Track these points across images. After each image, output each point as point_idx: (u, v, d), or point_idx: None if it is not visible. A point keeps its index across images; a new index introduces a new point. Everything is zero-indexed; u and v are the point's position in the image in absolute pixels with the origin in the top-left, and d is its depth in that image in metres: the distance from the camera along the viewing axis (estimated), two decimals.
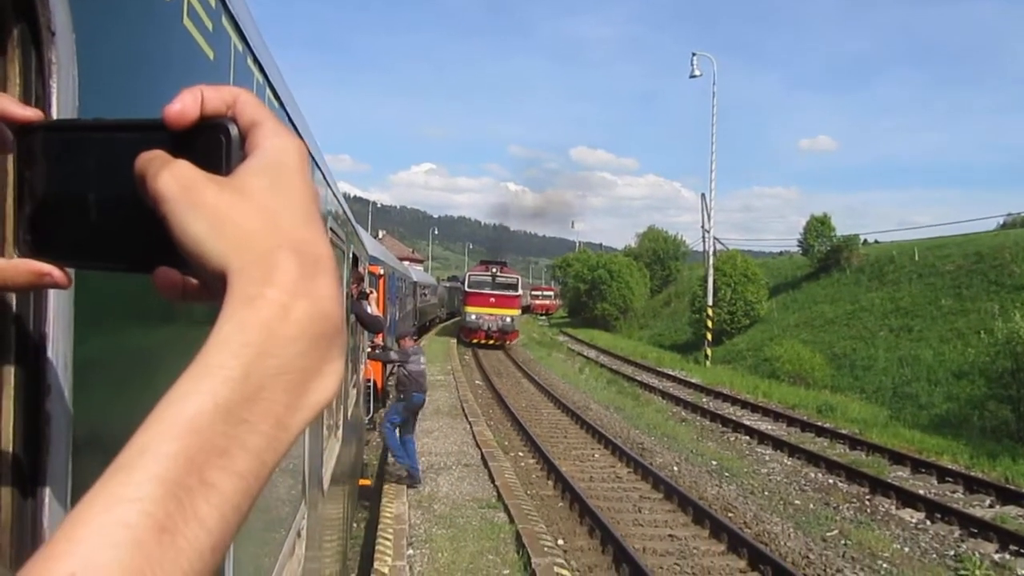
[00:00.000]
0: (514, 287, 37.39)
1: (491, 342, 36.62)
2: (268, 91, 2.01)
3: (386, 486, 10.77)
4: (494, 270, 37.43)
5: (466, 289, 37.75)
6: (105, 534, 0.40)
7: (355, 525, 9.84)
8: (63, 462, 0.71)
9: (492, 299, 36.24)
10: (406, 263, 37.11)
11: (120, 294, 0.93)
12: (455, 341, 37.77)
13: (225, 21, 1.41)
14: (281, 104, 2.28)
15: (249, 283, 0.49)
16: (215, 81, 1.35)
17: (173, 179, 0.51)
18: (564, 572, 7.85)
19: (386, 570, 7.65)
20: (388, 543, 8.38)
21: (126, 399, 0.96)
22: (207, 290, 0.54)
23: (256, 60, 1.77)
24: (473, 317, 36.82)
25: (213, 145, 0.54)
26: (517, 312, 37.85)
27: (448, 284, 63.58)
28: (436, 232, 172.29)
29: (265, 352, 0.47)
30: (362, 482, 11.03)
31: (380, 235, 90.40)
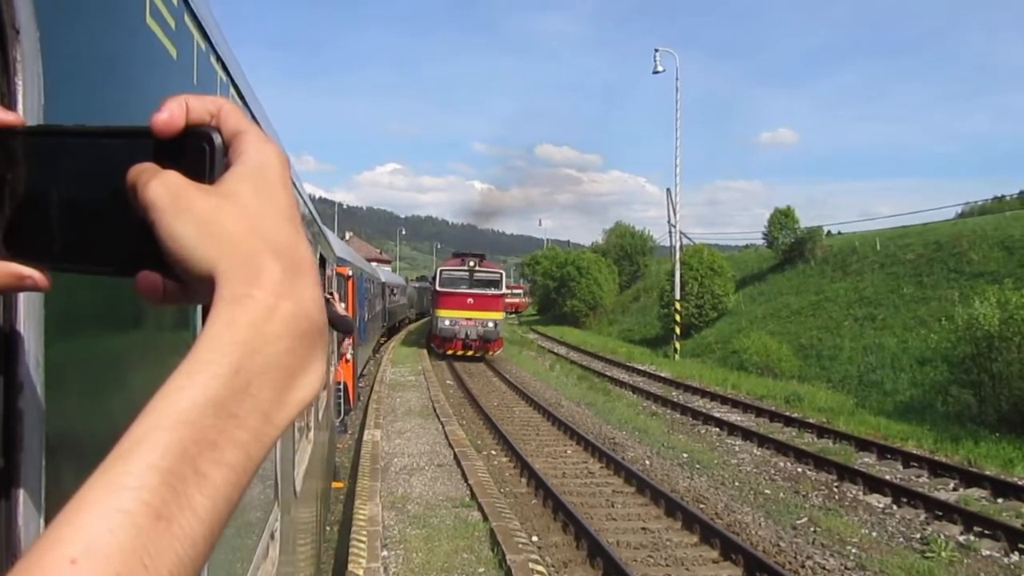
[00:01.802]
0: (496, 284, 30.79)
1: (470, 353, 30.22)
2: (232, 89, 2.00)
3: (359, 488, 10.72)
4: (471, 264, 30.40)
5: (437, 288, 30.74)
6: (105, 519, 0.42)
7: (328, 528, 9.78)
8: (36, 460, 0.71)
9: (470, 300, 29.66)
10: (374, 264, 36.92)
11: (90, 291, 0.92)
12: (426, 352, 31.78)
13: (188, 19, 1.40)
14: (245, 103, 2.26)
15: (236, 284, 0.51)
16: (179, 79, 1.35)
17: (162, 187, 0.53)
18: (539, 568, 7.87)
19: (360, 572, 7.61)
20: (362, 545, 8.34)
21: (99, 396, 0.96)
22: (186, 293, 0.57)
23: (219, 58, 1.76)
24: (447, 322, 29.97)
25: (197, 153, 0.56)
26: (501, 315, 30.95)
27: (417, 284, 63.45)
28: (403, 232, 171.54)
29: (253, 350, 0.50)
30: (335, 484, 10.97)
31: (347, 236, 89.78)
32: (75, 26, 0.87)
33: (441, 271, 31.37)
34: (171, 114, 0.55)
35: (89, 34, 0.92)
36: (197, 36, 1.49)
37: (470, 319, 29.87)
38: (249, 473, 0.49)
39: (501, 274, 31.79)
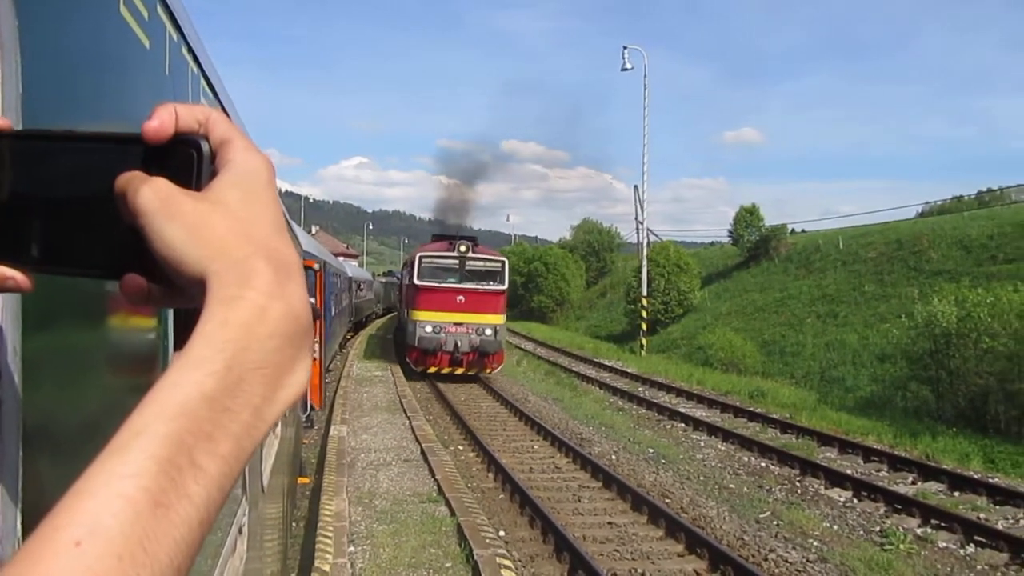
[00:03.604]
0: (497, 277, 23.10)
1: (459, 371, 22.82)
2: (202, 81, 1.98)
3: (325, 483, 10.66)
4: (463, 248, 22.70)
5: (415, 281, 22.80)
6: (107, 505, 0.44)
7: (294, 524, 9.72)
8: (13, 450, 0.71)
9: (460, 298, 22.35)
10: (341, 259, 36.68)
11: (68, 285, 0.92)
12: (399, 368, 24.13)
13: (160, 10, 1.40)
14: (215, 95, 2.25)
15: (228, 286, 0.54)
16: (151, 70, 1.34)
17: (153, 194, 0.55)
18: (506, 563, 7.90)
19: (327, 568, 7.58)
20: (328, 540, 8.30)
21: (74, 387, 0.95)
22: (171, 296, 0.59)
23: (190, 49, 1.75)
24: (428, 329, 22.29)
25: (186, 160, 0.57)
26: (502, 319, 23.15)
27: (384, 279, 63.19)
28: (371, 227, 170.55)
29: (245, 348, 0.52)
30: (301, 480, 10.90)
31: (313, 230, 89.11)
32: (51, 16, 0.86)
33: (420, 259, 23.12)
34: (162, 122, 0.57)
35: (65, 24, 0.91)
36: (169, 27, 1.48)
37: (461, 324, 22.26)
38: (241, 464, 0.51)
39: (503, 263, 23.48)
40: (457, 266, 22.72)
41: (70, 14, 0.93)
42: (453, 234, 24.93)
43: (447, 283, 22.61)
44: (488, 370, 23.12)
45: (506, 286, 23.40)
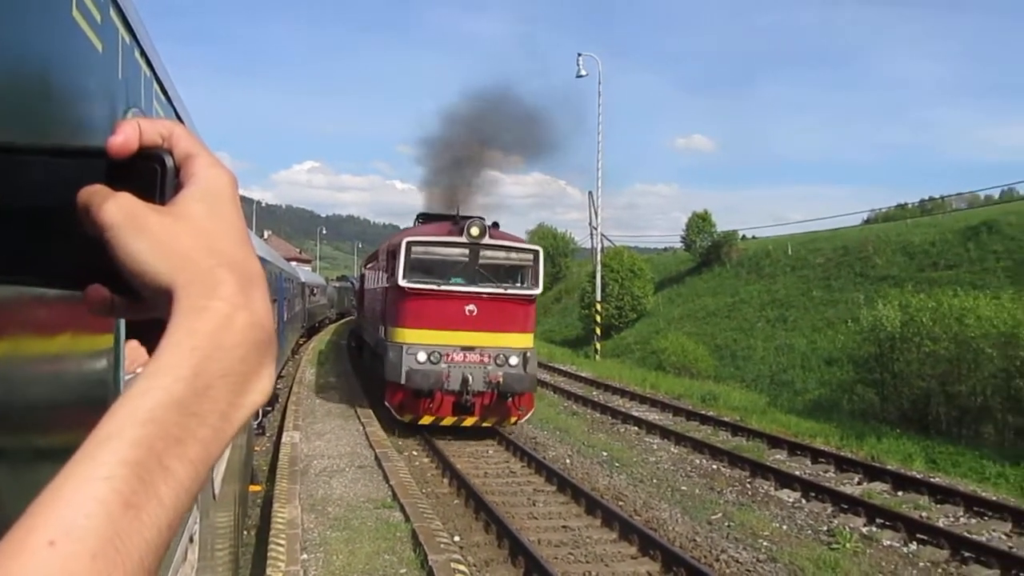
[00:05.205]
0: (526, 276, 15.52)
1: (470, 422, 15.26)
2: (155, 85, 1.96)
3: (278, 490, 10.52)
4: (474, 231, 14.92)
5: (401, 283, 14.92)
6: (80, 506, 0.46)
7: (246, 533, 9.58)
8: None
9: (472, 308, 14.85)
10: (294, 264, 36.26)
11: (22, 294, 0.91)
12: (371, 413, 16.31)
13: (113, 13, 1.39)
14: (168, 99, 2.23)
15: (195, 296, 0.55)
16: (104, 73, 1.33)
17: (117, 208, 0.56)
18: (461, 568, 7.89)
19: None
20: (281, 548, 8.20)
21: (26, 393, 0.95)
22: (133, 307, 0.61)
23: (143, 53, 1.73)
24: (421, 358, 14.76)
25: (149, 174, 0.58)
26: (529, 340, 15.69)
27: (338, 284, 62.68)
28: (324, 231, 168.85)
29: (212, 356, 0.54)
30: (252, 488, 10.75)
31: (266, 235, 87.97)
32: (1, 19, 0.86)
33: (409, 246, 15.10)
34: (126, 136, 0.58)
35: (16, 27, 0.91)
36: (122, 30, 1.47)
37: (472, 349, 14.94)
38: (208, 467, 0.53)
39: (536, 255, 15.60)
40: (466, 258, 15.09)
41: (21, 17, 0.93)
42: (455, 213, 16.55)
43: (452, 285, 15.01)
44: (513, 419, 15.53)
45: (539, 290, 15.69)
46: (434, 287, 14.92)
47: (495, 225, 15.68)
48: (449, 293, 14.92)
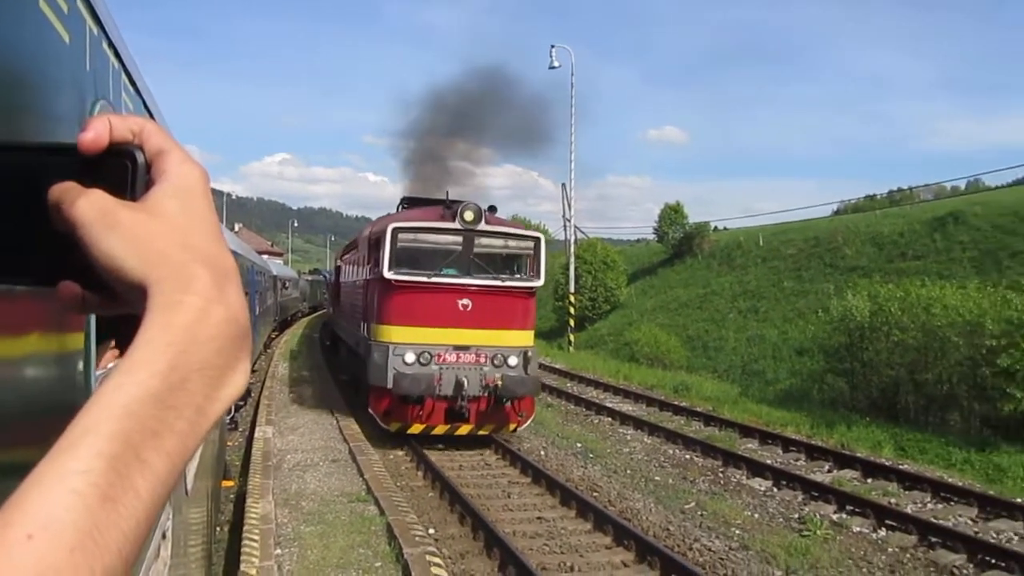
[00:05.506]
0: (526, 265, 14.38)
1: (465, 429, 13.99)
2: (123, 76, 1.93)
3: (251, 485, 10.46)
4: (468, 216, 13.54)
5: (387, 275, 13.40)
6: (58, 500, 0.46)
7: (219, 528, 9.51)
8: None
9: (466, 302, 13.57)
10: (265, 257, 35.95)
11: None
12: (351, 418, 15.19)
13: (80, 4, 1.36)
14: (137, 91, 2.19)
15: (170, 291, 0.55)
16: (71, 65, 1.31)
17: (89, 205, 0.56)
18: (436, 560, 7.90)
19: (253, 572, 7.44)
20: (255, 543, 8.15)
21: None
22: (106, 303, 0.61)
23: (111, 44, 1.71)
24: (410, 359, 13.36)
25: (120, 170, 0.58)
26: (530, 338, 14.50)
27: (310, 277, 62.27)
28: (296, 224, 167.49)
29: (187, 350, 0.54)
30: (225, 483, 10.67)
31: (236, 228, 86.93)
32: None
33: (395, 232, 13.59)
34: (96, 133, 0.58)
35: None
36: (90, 21, 1.45)
37: (466, 349, 13.65)
38: (184, 461, 0.53)
39: (538, 242, 14.36)
40: (459, 246, 13.70)
41: None
42: (444, 198, 15.00)
43: (443, 277, 13.61)
44: (512, 426, 14.30)
45: (541, 281, 14.34)
46: (423, 279, 13.50)
47: (491, 209, 14.28)
48: (440, 286, 13.53)
